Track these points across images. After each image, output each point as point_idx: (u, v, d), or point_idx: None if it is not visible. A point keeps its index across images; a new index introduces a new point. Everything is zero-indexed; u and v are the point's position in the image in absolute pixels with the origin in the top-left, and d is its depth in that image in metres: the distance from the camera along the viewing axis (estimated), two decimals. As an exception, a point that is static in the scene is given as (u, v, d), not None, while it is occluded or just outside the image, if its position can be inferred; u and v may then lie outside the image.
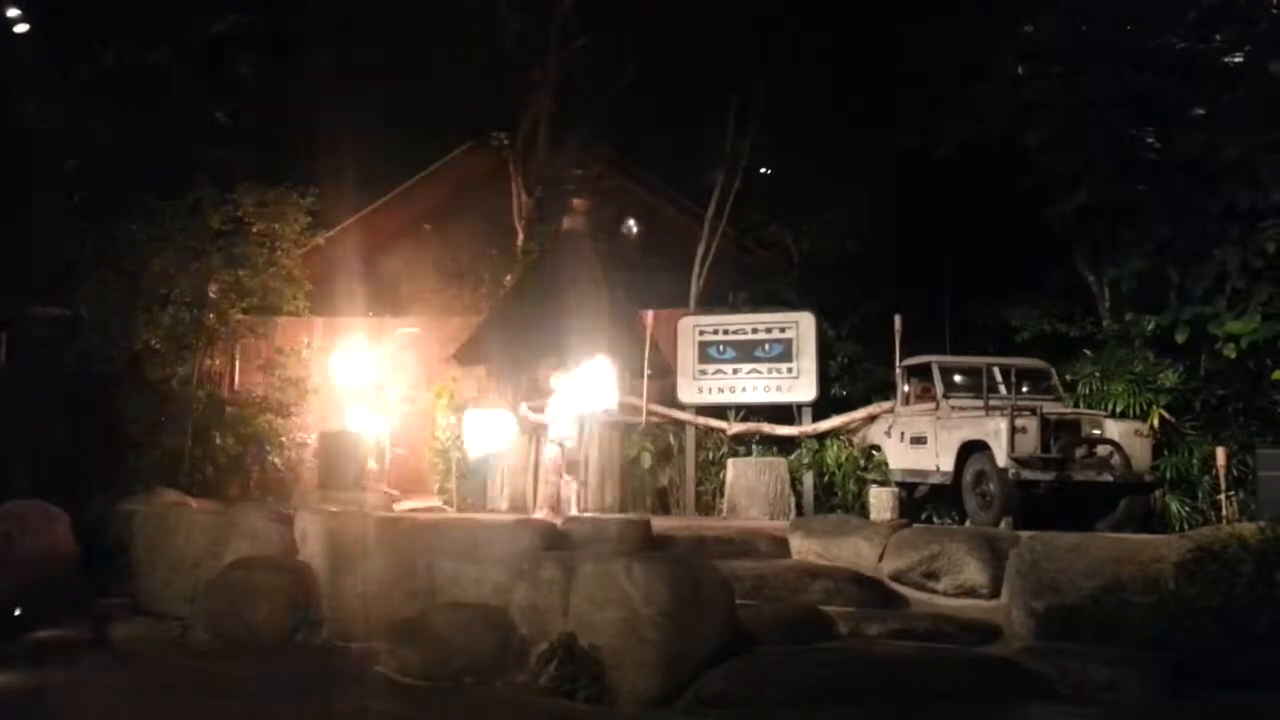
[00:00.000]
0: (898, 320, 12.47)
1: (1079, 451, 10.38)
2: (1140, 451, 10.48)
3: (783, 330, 13.49)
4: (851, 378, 13.55)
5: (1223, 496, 10.41)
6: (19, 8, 14.55)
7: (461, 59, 15.19)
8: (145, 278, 13.82)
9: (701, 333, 13.80)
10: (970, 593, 8.95)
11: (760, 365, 13.50)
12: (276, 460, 14.18)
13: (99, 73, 14.38)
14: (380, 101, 15.81)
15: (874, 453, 12.54)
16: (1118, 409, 11.25)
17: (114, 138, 14.13)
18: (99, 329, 13.55)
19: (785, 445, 13.24)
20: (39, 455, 11.45)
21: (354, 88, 15.41)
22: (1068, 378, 11.96)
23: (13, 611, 9.67)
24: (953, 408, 11.23)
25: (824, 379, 13.35)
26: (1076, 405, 11.45)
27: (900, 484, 11.75)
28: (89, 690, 7.85)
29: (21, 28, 14.51)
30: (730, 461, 13.02)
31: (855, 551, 9.62)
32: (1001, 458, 10.15)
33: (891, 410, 12.39)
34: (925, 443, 11.42)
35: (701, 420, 13.49)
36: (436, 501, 13.28)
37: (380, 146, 15.99)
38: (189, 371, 13.98)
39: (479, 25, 15.22)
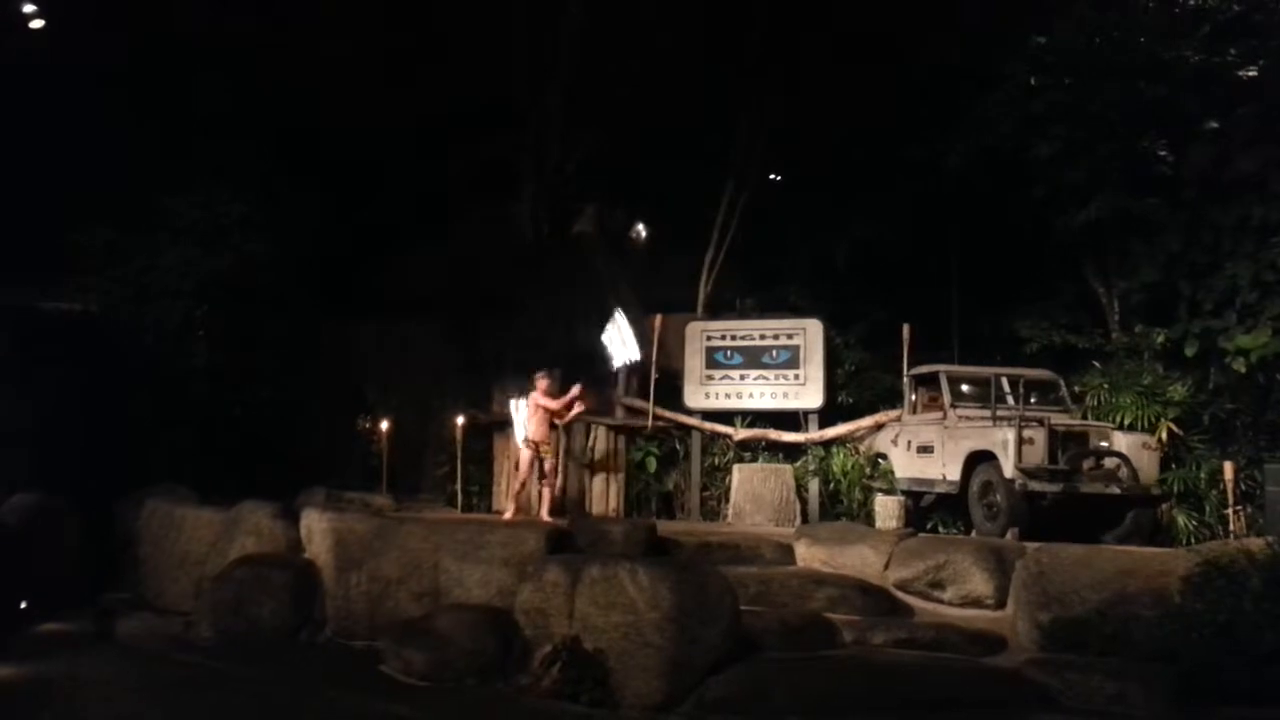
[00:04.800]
0: (906, 329, 12.46)
1: (1086, 463, 10.36)
2: (1148, 464, 10.45)
3: (790, 336, 13.48)
4: (858, 385, 13.54)
5: (1230, 511, 10.37)
6: (36, 3, 14.58)
7: (469, 60, 15.20)
8: (156, 273, 13.85)
9: (709, 338, 13.79)
10: (976, 603, 8.95)
11: (767, 371, 13.49)
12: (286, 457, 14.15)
13: (114, 66, 14.43)
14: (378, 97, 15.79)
15: (880, 461, 12.51)
16: (1126, 421, 11.21)
17: (128, 132, 14.18)
18: (109, 324, 13.58)
19: (791, 452, 13.22)
20: (47, 450, 11.46)
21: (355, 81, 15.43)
22: (1076, 389, 11.93)
23: (19, 605, 9.69)
24: (960, 417, 11.21)
25: (831, 386, 13.35)
26: (1084, 417, 11.42)
27: (906, 493, 11.72)
28: (92, 685, 7.86)
29: (37, 23, 14.52)
30: (736, 467, 13.01)
31: (861, 560, 9.62)
32: (1008, 468, 10.13)
33: (898, 419, 12.36)
34: (932, 452, 11.40)
35: (707, 425, 13.49)
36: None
37: (381, 143, 15.98)
38: (199, 367, 13.98)
39: (489, 28, 15.22)
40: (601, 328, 13.58)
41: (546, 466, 11.23)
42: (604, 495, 13.14)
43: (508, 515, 11.10)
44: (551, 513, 11.14)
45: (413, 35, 15.39)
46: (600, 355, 13.50)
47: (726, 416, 13.49)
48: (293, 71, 15.10)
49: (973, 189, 13.53)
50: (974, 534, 10.72)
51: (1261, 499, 10.21)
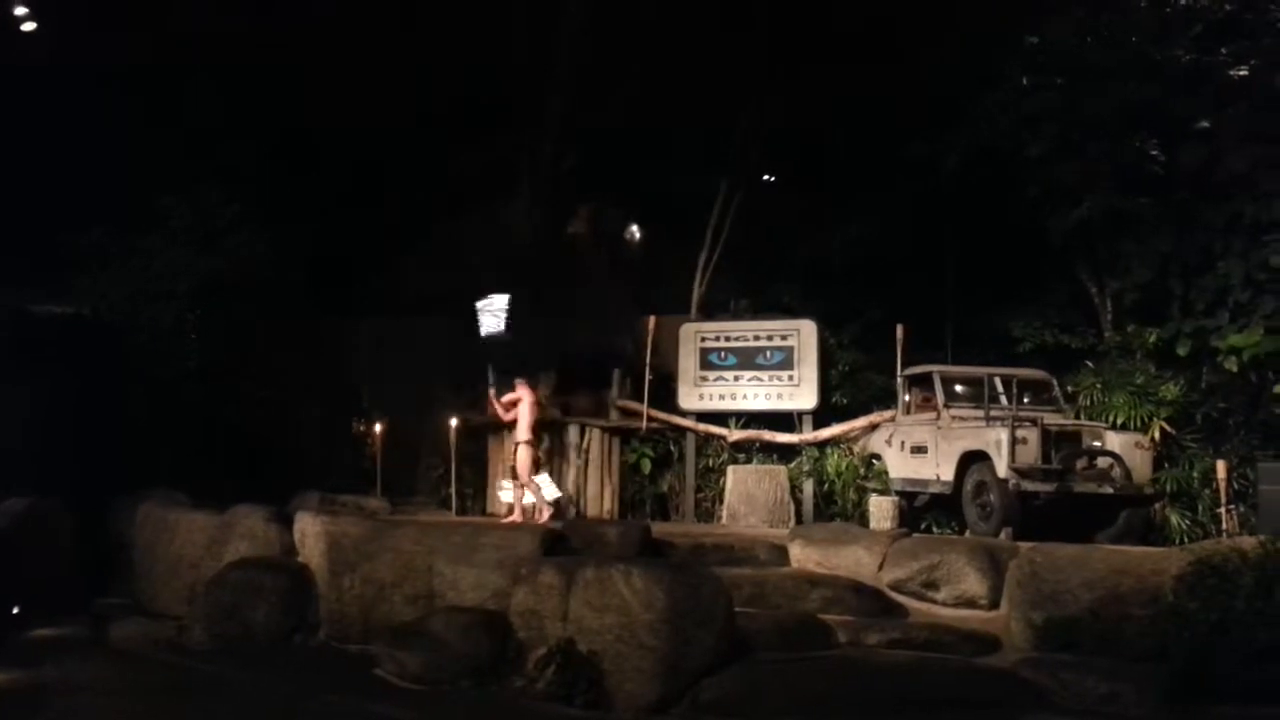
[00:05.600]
0: (899, 329, 12.46)
1: (1079, 463, 10.37)
2: (1141, 464, 10.47)
3: (784, 338, 13.49)
4: (852, 386, 13.54)
5: (1223, 510, 10.40)
6: (29, 6, 14.57)
7: (468, 59, 15.19)
8: (151, 274, 13.84)
9: (703, 339, 13.79)
10: (969, 603, 8.95)
11: (761, 372, 13.49)
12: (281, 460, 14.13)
13: (112, 67, 14.44)
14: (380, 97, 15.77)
15: (874, 461, 12.52)
16: (1119, 421, 11.24)
17: (125, 133, 14.19)
18: (102, 326, 13.56)
19: (785, 453, 13.22)
20: (40, 453, 11.44)
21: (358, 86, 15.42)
22: (1069, 389, 11.95)
23: (11, 609, 9.67)
24: (954, 417, 11.22)
25: (825, 387, 13.35)
26: (1077, 417, 11.44)
27: (900, 493, 11.75)
28: (85, 690, 7.86)
29: (29, 26, 14.51)
30: (730, 468, 13.02)
31: (855, 560, 9.61)
32: (1002, 468, 10.14)
33: (892, 419, 12.38)
34: (926, 452, 11.41)
35: (702, 427, 13.49)
36: None
37: (381, 143, 15.96)
38: (192, 369, 13.96)
39: (489, 28, 15.23)
40: (599, 327, 13.64)
41: (519, 469, 11.25)
42: (599, 497, 13.15)
43: (514, 517, 11.12)
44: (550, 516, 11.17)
45: (413, 35, 15.39)
46: (595, 355, 13.54)
47: (721, 418, 13.49)
48: (292, 71, 15.10)
49: (967, 189, 13.54)
50: (968, 534, 10.74)
51: (1254, 498, 10.22)
